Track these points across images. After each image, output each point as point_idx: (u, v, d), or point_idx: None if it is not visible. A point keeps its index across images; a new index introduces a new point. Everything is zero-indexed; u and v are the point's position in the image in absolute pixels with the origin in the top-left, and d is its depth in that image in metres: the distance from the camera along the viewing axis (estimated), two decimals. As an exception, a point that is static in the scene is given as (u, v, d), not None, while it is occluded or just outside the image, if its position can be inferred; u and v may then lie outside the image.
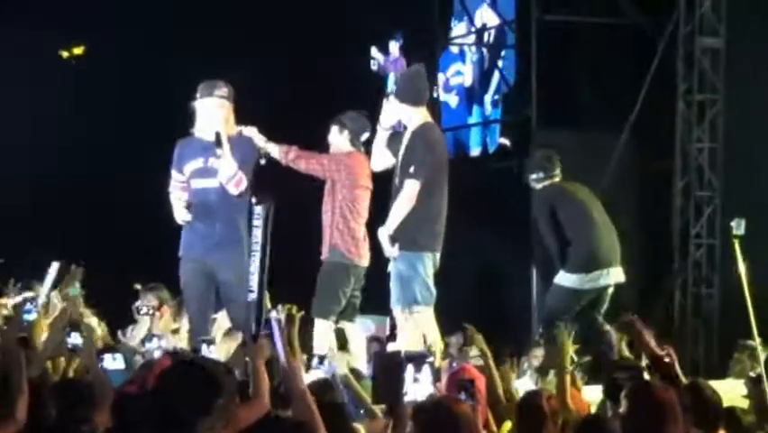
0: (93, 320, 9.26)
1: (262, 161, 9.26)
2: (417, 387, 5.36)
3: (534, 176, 10.21)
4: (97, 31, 18.43)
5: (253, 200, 8.36)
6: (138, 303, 9.94)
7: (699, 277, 15.00)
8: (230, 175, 8.90)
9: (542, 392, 6.22)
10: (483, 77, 17.58)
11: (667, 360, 6.59)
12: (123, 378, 6.42)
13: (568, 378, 6.86)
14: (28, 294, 9.28)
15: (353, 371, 7.61)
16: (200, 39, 17.77)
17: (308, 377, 6.40)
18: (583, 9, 15.58)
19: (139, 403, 5.62)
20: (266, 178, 9.27)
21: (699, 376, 9.18)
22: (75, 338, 7.58)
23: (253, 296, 7.77)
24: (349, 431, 5.86)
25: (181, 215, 9.09)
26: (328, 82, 17.02)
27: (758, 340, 7.66)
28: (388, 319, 9.80)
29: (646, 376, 6.55)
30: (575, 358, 8.85)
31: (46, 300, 9.20)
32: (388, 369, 5.67)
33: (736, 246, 7.60)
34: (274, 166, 9.39)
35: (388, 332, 9.75)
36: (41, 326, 7.69)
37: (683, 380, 6.44)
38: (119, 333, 9.77)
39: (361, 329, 9.75)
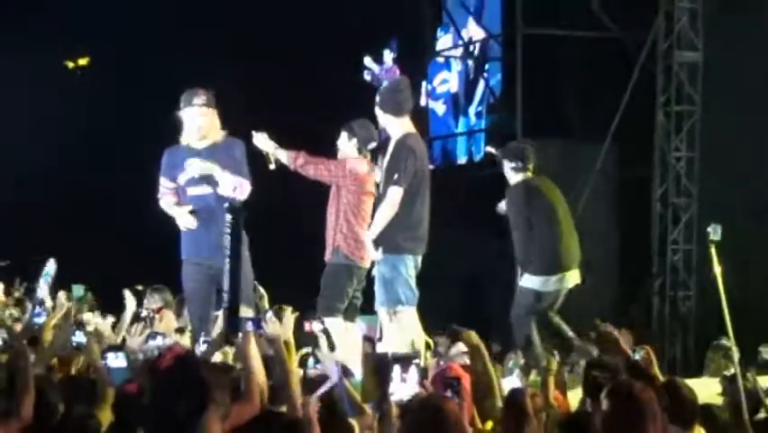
0: (99, 320, 9.24)
1: (272, 167, 9.23)
2: (404, 387, 5.35)
3: (512, 165, 10.00)
4: (102, 41, 18.35)
5: (225, 206, 8.36)
6: (145, 303, 9.91)
7: (677, 280, 15.03)
8: (232, 187, 8.87)
9: (526, 390, 6.20)
10: (469, 87, 17.60)
11: (644, 356, 6.59)
12: (125, 376, 6.40)
13: (551, 378, 6.85)
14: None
15: (342, 368, 7.59)
16: (201, 45, 17.65)
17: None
18: (567, 24, 15.61)
19: (138, 402, 5.63)
20: (269, 182, 9.23)
21: (676, 375, 9.19)
22: (79, 337, 7.58)
23: (226, 299, 7.77)
24: (345, 426, 5.84)
25: (186, 222, 9.02)
26: (325, 87, 16.94)
27: (732, 341, 7.65)
28: (378, 320, 9.78)
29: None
30: (557, 357, 8.83)
31: (52, 300, 9.18)
32: (376, 369, 5.67)
33: (713, 251, 7.58)
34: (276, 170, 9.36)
35: (378, 333, 9.72)
36: (49, 326, 7.67)
37: (661, 379, 6.43)
38: (124, 332, 9.73)
39: (360, 329, 9.72)
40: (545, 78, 16.00)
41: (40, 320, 7.90)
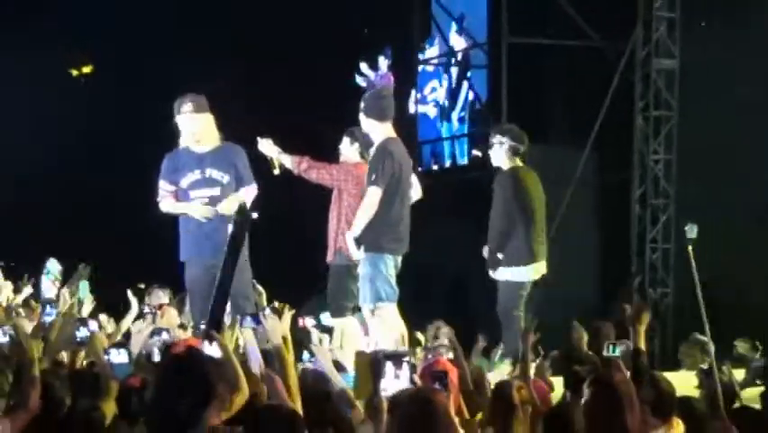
0: (103, 317, 9.23)
1: (276, 172, 9.19)
2: (397, 382, 5.34)
3: (512, 144, 9.78)
4: (101, 41, 18.07)
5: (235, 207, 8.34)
6: (147, 300, 9.90)
7: (655, 278, 15.05)
8: (240, 195, 8.85)
9: (512, 383, 6.20)
10: (453, 94, 17.61)
11: (624, 350, 6.59)
12: (127, 371, 6.40)
13: (531, 367, 6.86)
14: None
15: (335, 363, 7.58)
16: (201, 45, 17.45)
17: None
18: (550, 33, 15.63)
19: (141, 395, 5.62)
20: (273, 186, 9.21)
21: (655, 369, 9.20)
22: (83, 332, 7.57)
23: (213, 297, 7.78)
24: (339, 417, 5.84)
25: (203, 212, 8.90)
26: (325, 87, 16.83)
27: (708, 335, 7.66)
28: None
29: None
30: (541, 351, 8.82)
31: (55, 297, 9.17)
32: (367, 367, 5.66)
33: (690, 249, 7.59)
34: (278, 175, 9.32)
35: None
36: (58, 323, 7.67)
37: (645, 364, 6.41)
38: (130, 327, 9.72)
39: (358, 326, 9.70)
40: (529, 85, 16.01)
41: (50, 319, 7.91)
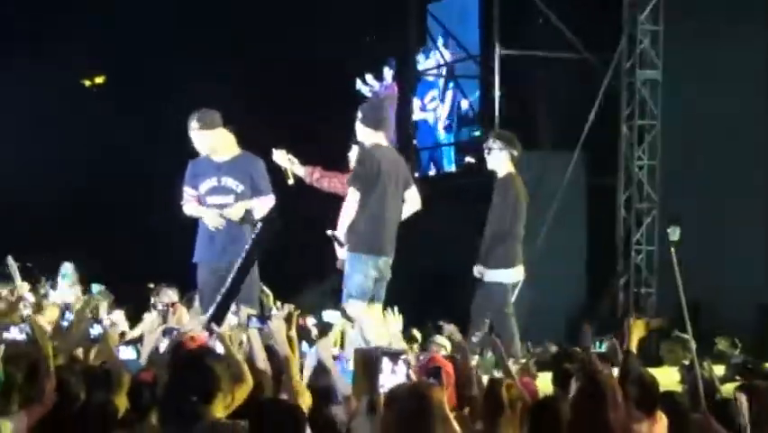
0: (115, 315, 9.24)
1: (290, 182, 9.17)
2: (394, 378, 5.34)
3: (512, 152, 9.85)
4: (101, 41, 17.74)
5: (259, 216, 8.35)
6: (155, 300, 9.91)
7: (639, 278, 15.07)
8: (255, 208, 8.85)
9: (502, 381, 6.19)
10: (451, 103, 17.63)
11: (610, 346, 6.61)
12: (136, 366, 6.41)
13: (520, 368, 6.87)
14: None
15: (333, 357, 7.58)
16: (201, 45, 17.19)
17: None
18: (540, 45, 15.64)
19: (153, 390, 5.63)
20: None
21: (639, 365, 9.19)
22: (96, 330, 7.60)
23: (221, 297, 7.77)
24: (326, 414, 5.84)
25: (215, 222, 8.95)
26: (325, 87, 16.69)
27: (690, 333, 7.67)
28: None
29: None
30: (530, 348, 8.85)
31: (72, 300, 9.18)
32: (365, 363, 5.66)
33: (672, 251, 7.59)
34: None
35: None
36: (76, 324, 7.69)
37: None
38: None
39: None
40: (520, 95, 16.02)
41: (68, 323, 7.93)
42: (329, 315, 9.28)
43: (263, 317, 6.33)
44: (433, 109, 17.88)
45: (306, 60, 17.10)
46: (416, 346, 9.53)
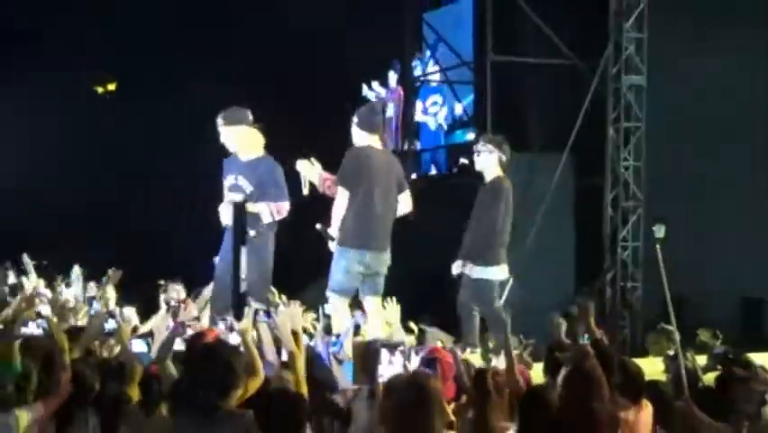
0: (128, 311, 9.24)
1: (306, 191, 9.14)
2: (392, 369, 5.35)
3: (503, 156, 9.82)
4: (101, 41, 17.42)
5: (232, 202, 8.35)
6: (164, 296, 9.90)
7: (626, 273, 15.08)
8: (269, 213, 8.85)
9: (488, 370, 6.19)
10: (447, 107, 17.65)
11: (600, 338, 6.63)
12: (146, 359, 6.42)
13: (515, 357, 6.87)
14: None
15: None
16: (201, 45, 16.91)
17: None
18: (531, 52, 15.65)
19: (161, 382, 5.64)
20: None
21: (625, 355, 9.22)
22: (111, 324, 7.62)
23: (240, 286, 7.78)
24: (327, 400, 5.84)
25: (224, 219, 8.92)
26: (325, 87, 16.56)
27: (674, 325, 7.69)
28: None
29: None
30: (523, 340, 8.83)
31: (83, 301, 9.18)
32: (364, 355, 5.67)
33: (657, 247, 7.61)
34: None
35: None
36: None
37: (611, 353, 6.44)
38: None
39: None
40: (511, 99, 16.02)
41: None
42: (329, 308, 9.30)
43: (269, 312, 6.34)
44: (434, 114, 17.91)
45: (307, 61, 17.02)
46: (412, 338, 9.51)
